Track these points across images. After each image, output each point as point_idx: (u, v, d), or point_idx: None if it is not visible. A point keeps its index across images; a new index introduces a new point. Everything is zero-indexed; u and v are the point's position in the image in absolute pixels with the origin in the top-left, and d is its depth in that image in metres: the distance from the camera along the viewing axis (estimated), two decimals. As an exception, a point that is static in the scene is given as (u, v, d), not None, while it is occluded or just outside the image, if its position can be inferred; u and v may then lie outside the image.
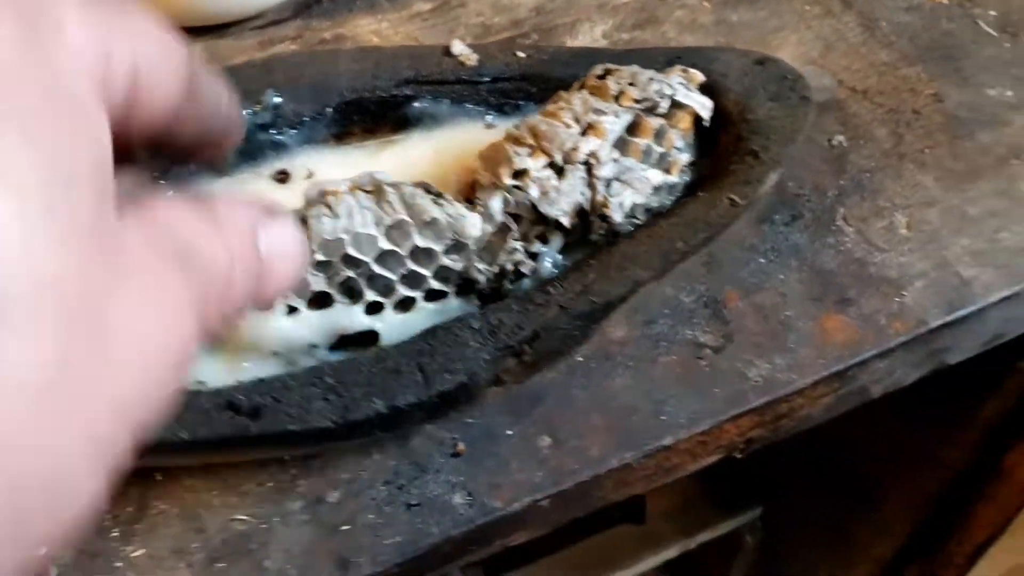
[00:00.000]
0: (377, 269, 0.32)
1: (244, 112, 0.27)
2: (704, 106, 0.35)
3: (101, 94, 0.18)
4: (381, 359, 0.30)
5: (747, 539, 0.88)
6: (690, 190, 0.36)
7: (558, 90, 0.36)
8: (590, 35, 0.47)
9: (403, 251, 0.32)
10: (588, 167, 0.33)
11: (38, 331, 0.15)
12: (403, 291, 0.33)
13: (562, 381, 0.35)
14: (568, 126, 0.33)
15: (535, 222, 0.34)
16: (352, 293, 0.32)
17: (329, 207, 0.31)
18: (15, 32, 0.16)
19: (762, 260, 0.38)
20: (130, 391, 0.17)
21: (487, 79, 0.38)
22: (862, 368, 0.36)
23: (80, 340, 0.16)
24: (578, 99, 0.34)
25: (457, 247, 0.32)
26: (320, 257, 0.31)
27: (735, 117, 0.36)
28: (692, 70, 0.36)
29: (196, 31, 0.46)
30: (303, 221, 0.31)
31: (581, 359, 0.35)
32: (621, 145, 0.34)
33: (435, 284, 0.33)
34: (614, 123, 0.33)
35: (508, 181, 0.33)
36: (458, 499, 0.32)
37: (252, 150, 0.37)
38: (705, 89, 0.36)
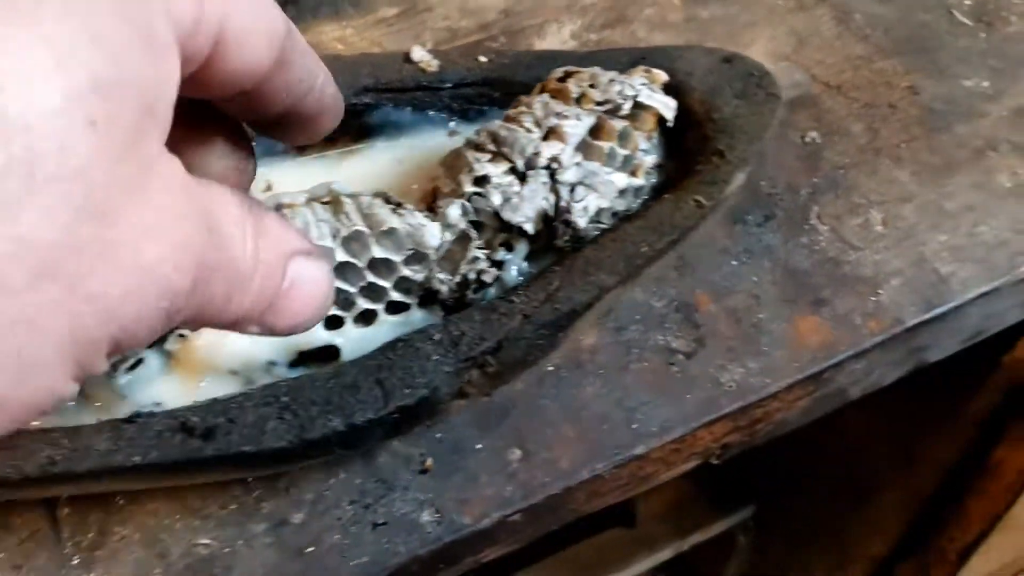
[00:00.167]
0: (335, 282, 0.31)
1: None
2: (667, 106, 0.34)
3: (178, 34, 0.19)
4: (339, 375, 0.29)
5: (740, 539, 0.88)
6: (658, 192, 0.35)
7: (521, 94, 0.35)
8: (558, 36, 0.46)
9: (361, 263, 0.31)
10: (551, 172, 0.32)
11: (54, 204, 0.16)
12: (363, 304, 0.32)
13: (532, 392, 0.34)
14: (529, 131, 0.33)
15: (499, 229, 0.33)
16: (310, 308, 0.31)
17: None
18: None
19: (734, 262, 0.37)
20: (117, 298, 0.17)
21: (449, 85, 0.37)
22: (837, 370, 0.36)
23: (86, 227, 0.16)
24: (539, 103, 0.33)
25: (417, 257, 0.32)
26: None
27: (701, 116, 0.35)
28: (655, 70, 0.35)
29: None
30: None
31: (551, 368, 0.35)
32: (584, 149, 0.33)
33: (396, 296, 0.32)
34: (576, 126, 0.33)
35: (469, 188, 0.32)
36: (426, 516, 0.31)
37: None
38: (670, 89, 0.35)
